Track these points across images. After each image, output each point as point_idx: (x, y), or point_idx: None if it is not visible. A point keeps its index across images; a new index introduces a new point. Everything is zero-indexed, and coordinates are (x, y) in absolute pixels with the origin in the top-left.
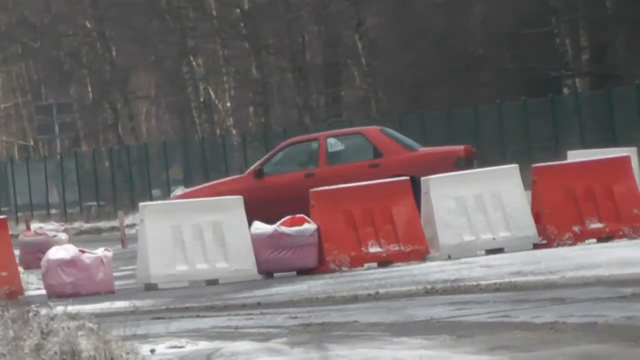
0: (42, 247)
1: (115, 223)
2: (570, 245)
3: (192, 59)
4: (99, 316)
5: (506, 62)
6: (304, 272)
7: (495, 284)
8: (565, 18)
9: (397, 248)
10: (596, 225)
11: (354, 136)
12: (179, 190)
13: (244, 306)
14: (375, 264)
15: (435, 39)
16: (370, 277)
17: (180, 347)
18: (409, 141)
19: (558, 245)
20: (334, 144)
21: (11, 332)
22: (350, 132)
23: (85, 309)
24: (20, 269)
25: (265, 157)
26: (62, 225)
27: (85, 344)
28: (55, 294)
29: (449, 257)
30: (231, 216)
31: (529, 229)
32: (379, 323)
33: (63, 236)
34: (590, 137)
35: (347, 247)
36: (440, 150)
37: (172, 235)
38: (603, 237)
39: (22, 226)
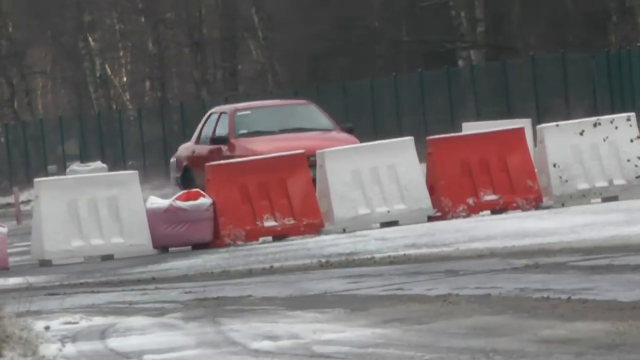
0: None
1: (10, 199)
2: (464, 217)
3: (88, 33)
4: None
5: (402, 34)
6: (199, 246)
7: (389, 256)
8: None
9: (292, 222)
10: (490, 197)
11: None
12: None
13: (138, 281)
14: (270, 238)
15: (332, 11)
16: (265, 251)
17: (75, 323)
18: None
19: (452, 217)
20: None
21: None
22: None
23: None
24: None
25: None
26: None
27: None
28: None
29: (344, 230)
30: (126, 191)
31: (424, 201)
32: (273, 297)
33: None
34: (485, 109)
35: (242, 221)
36: None
37: (67, 210)
38: (497, 209)
39: None
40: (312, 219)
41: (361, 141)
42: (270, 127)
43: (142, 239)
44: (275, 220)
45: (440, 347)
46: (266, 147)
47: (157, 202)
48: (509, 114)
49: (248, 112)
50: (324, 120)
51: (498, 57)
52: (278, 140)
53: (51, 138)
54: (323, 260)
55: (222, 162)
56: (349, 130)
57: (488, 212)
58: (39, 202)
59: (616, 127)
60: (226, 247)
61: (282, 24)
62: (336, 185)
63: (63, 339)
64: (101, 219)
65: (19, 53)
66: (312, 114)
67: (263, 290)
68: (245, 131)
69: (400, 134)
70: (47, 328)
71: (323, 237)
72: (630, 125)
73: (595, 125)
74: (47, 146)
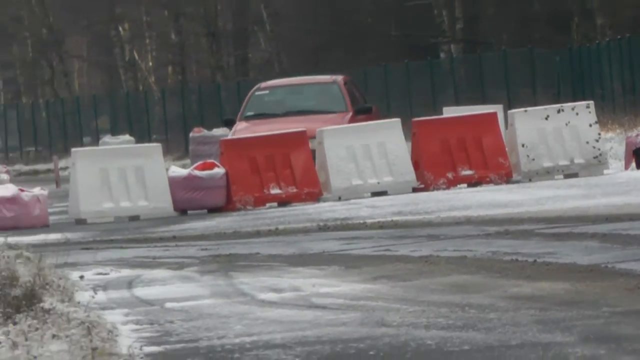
0: None
1: (50, 166)
2: (444, 189)
3: (119, 24)
4: (35, 246)
5: (391, 30)
6: (214, 210)
7: (379, 222)
8: None
9: (294, 190)
10: (467, 172)
11: None
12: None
13: (161, 239)
14: (275, 204)
15: (329, 8)
16: (271, 215)
17: (106, 274)
18: None
19: (434, 189)
20: None
21: None
22: None
23: (24, 241)
24: None
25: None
26: (4, 167)
27: (22, 271)
28: None
29: (340, 199)
30: (151, 161)
31: (409, 174)
32: (278, 255)
33: (5, 177)
34: (463, 96)
35: (252, 189)
36: None
37: (100, 176)
38: (472, 183)
39: None
40: (312, 188)
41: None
42: (277, 109)
43: (164, 203)
44: (280, 189)
45: (422, 301)
46: (249, 133)
47: (177, 171)
48: (484, 100)
49: (266, 92)
50: (339, 101)
51: (474, 51)
52: (273, 123)
53: (86, 114)
54: (321, 224)
55: (234, 137)
56: (367, 111)
57: (465, 185)
58: (75, 169)
59: (577, 114)
60: (237, 211)
61: (287, 19)
62: (333, 159)
63: (95, 288)
64: (129, 185)
65: (58, 40)
66: (331, 94)
67: (269, 249)
68: (252, 113)
69: (389, 116)
70: (81, 278)
71: (321, 204)
72: (589, 112)
73: (558, 111)
74: (83, 121)
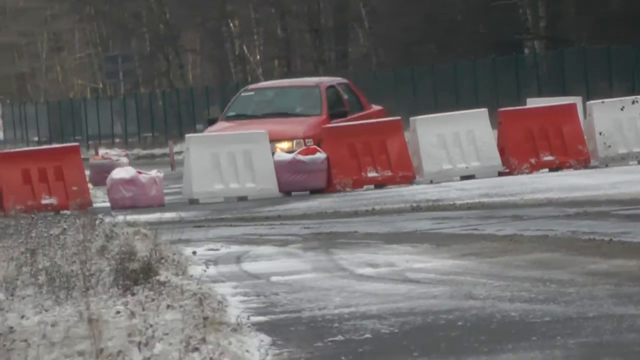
0: (108, 168)
1: (166, 150)
2: (527, 173)
3: (229, 20)
4: (151, 224)
5: (479, 27)
6: (316, 191)
7: (467, 203)
8: None
9: (390, 173)
10: (548, 157)
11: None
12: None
13: (267, 218)
14: (372, 186)
15: (423, 7)
16: (368, 196)
17: (216, 249)
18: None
19: (518, 173)
20: None
21: (81, 236)
22: None
23: (141, 219)
24: (90, 185)
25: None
26: (124, 151)
27: (140, 246)
28: (117, 206)
29: (431, 182)
30: (259, 146)
31: (495, 160)
32: (374, 233)
33: (124, 160)
34: (545, 88)
35: (350, 172)
36: None
37: (211, 160)
38: (554, 168)
39: (92, 152)
40: (406, 172)
41: (445, 111)
42: (258, 110)
43: (270, 185)
44: (377, 172)
45: (507, 277)
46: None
47: (282, 155)
48: (564, 93)
49: (252, 93)
50: (316, 105)
51: (556, 47)
52: (249, 124)
53: (199, 103)
54: (414, 205)
55: (334, 125)
56: (342, 115)
57: (546, 170)
58: (189, 153)
59: None
60: (337, 192)
61: (383, 16)
62: (425, 145)
63: (207, 262)
64: (238, 168)
65: (174, 35)
66: (311, 98)
67: (366, 228)
68: (233, 113)
69: (477, 106)
70: (194, 253)
71: (414, 187)
72: None
73: (633, 102)
74: (196, 109)
